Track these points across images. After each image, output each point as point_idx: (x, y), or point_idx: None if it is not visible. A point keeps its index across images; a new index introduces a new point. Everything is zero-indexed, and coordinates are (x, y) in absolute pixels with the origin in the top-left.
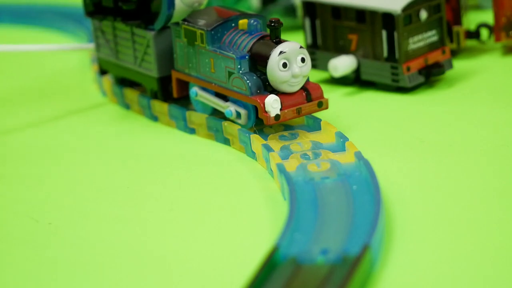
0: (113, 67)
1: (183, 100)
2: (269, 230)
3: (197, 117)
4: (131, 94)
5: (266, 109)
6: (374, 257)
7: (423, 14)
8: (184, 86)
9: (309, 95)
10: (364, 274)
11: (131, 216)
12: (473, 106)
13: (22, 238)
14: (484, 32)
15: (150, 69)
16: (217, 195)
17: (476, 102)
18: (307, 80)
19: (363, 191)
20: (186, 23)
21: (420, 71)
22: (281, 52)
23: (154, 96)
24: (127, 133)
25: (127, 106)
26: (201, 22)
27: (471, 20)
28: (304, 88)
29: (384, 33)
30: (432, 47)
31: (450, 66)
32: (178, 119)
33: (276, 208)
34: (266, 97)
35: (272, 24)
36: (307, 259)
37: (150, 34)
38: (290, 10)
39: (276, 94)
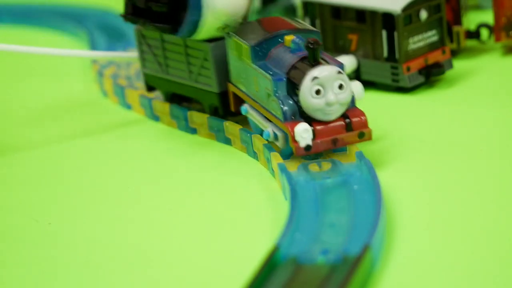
0: (162, 83)
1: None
2: (270, 230)
3: (198, 117)
4: (132, 94)
5: (295, 138)
6: (375, 257)
7: (423, 14)
8: (241, 99)
9: (350, 124)
10: (365, 274)
11: (131, 216)
12: (473, 106)
13: (22, 238)
14: (484, 32)
15: (209, 84)
16: (218, 195)
17: (476, 102)
18: (352, 106)
19: (364, 191)
20: (235, 35)
21: (420, 71)
22: (314, 78)
23: (214, 112)
24: (127, 133)
25: (128, 106)
26: (249, 35)
27: (471, 20)
28: (345, 116)
29: (384, 33)
30: (432, 47)
31: (450, 66)
32: (180, 119)
33: (277, 208)
34: (297, 124)
35: (310, 45)
36: (307, 259)
37: (208, 46)
38: (290, 10)
39: (311, 122)
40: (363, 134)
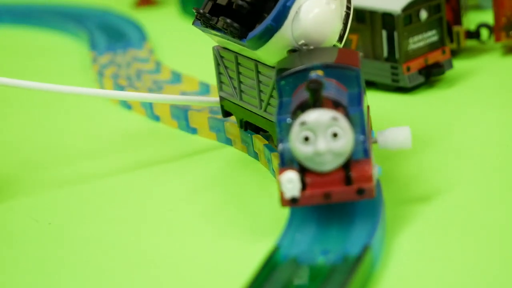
0: (236, 109)
1: None
2: (270, 230)
3: (198, 117)
4: None
5: (281, 188)
6: (375, 258)
7: (423, 14)
8: None
9: (349, 178)
10: (365, 275)
11: (131, 216)
12: (473, 106)
13: (22, 238)
14: (484, 32)
15: None
16: (219, 195)
17: (476, 102)
18: (365, 157)
19: None
20: (282, 63)
21: (420, 71)
22: (302, 123)
23: None
24: (128, 133)
25: (128, 107)
26: (291, 65)
27: (471, 20)
28: (347, 167)
29: (384, 33)
30: (432, 47)
31: (450, 66)
32: (180, 119)
33: (277, 208)
34: (285, 172)
35: (310, 85)
36: (307, 259)
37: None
38: None
39: (306, 171)
40: (363, 191)
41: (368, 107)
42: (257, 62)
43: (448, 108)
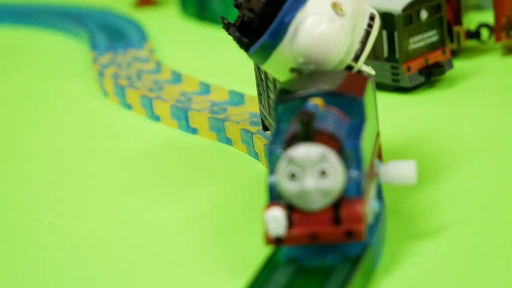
0: (270, 126)
1: None
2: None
3: (199, 117)
4: (133, 95)
5: (266, 225)
6: (375, 257)
7: (424, 14)
8: None
9: (338, 218)
10: (365, 274)
11: (131, 215)
12: (473, 106)
13: (22, 238)
14: (484, 32)
15: None
16: (219, 195)
17: (477, 102)
18: (357, 196)
19: None
20: (286, 85)
21: (420, 71)
22: (289, 159)
23: None
24: (127, 133)
25: (128, 107)
26: (294, 88)
27: (471, 20)
28: (337, 205)
29: (384, 33)
30: (432, 47)
31: (451, 66)
32: (180, 119)
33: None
34: (270, 208)
35: (301, 118)
36: (307, 259)
37: None
38: None
39: (291, 208)
40: (351, 233)
41: (378, 133)
42: (274, 78)
43: (448, 108)
